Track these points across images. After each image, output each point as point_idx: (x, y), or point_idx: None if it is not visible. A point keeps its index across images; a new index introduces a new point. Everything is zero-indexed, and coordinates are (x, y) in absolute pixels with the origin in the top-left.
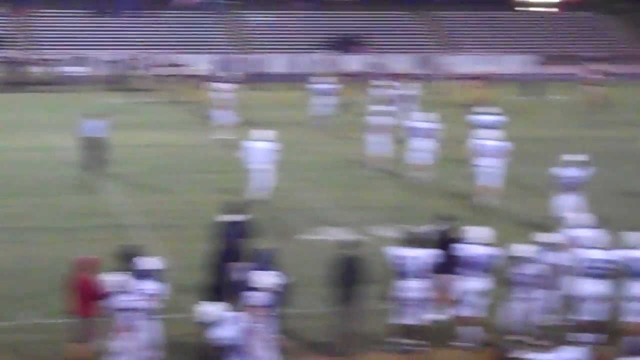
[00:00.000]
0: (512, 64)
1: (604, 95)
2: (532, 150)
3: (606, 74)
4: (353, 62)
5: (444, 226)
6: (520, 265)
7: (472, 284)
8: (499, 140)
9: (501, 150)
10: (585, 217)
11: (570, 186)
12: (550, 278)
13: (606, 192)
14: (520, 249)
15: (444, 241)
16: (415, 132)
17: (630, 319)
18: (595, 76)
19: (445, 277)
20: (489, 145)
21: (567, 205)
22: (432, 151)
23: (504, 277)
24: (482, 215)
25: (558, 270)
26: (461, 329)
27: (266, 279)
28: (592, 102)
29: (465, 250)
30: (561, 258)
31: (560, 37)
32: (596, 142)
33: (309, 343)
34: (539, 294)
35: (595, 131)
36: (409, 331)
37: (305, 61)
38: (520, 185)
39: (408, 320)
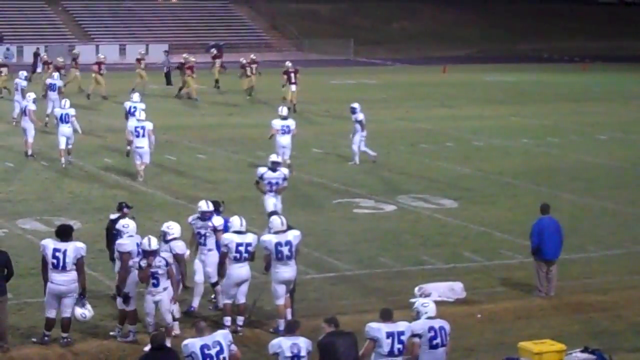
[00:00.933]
0: (155, 53)
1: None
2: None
3: (252, 62)
4: None
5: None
6: (147, 257)
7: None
8: (145, 123)
9: (148, 131)
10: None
11: None
12: (175, 266)
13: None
14: (146, 242)
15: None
16: (61, 120)
17: (278, 302)
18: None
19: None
20: (140, 128)
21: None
22: (72, 137)
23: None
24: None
25: (179, 259)
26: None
27: None
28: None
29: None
30: (178, 247)
31: (194, 26)
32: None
33: None
34: (166, 283)
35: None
36: (56, 324)
37: None
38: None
39: (52, 313)
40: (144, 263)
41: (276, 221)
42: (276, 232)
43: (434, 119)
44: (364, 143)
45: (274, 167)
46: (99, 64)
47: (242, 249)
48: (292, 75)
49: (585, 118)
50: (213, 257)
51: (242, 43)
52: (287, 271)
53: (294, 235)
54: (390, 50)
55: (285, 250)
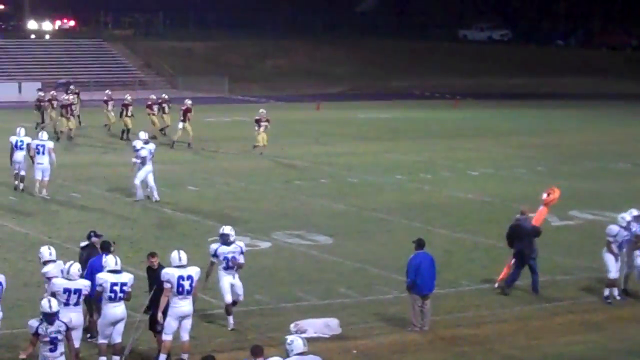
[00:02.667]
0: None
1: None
2: None
3: (164, 101)
4: None
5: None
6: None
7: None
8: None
9: (49, 149)
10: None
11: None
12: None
13: None
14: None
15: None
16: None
17: (166, 337)
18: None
19: None
20: (41, 146)
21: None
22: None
23: None
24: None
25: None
26: None
27: None
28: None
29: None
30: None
31: (68, 63)
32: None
33: None
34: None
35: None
36: None
37: None
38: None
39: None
40: (42, 330)
41: (175, 255)
42: (177, 267)
43: (309, 155)
44: (152, 178)
45: (225, 240)
46: None
47: (117, 288)
48: (184, 113)
49: (457, 154)
50: None
51: (116, 80)
52: (184, 305)
53: (195, 271)
54: (265, 87)
55: (186, 284)
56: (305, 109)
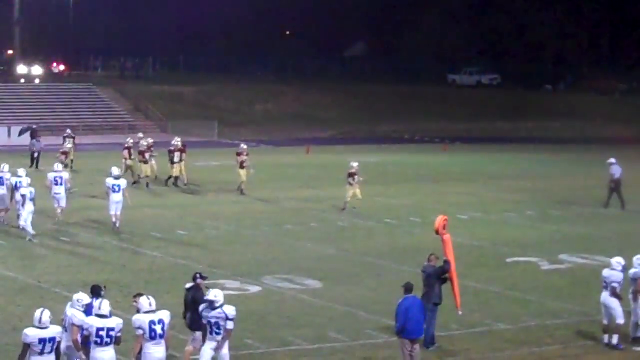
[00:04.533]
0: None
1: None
2: None
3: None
4: None
5: None
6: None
7: None
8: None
9: (65, 180)
10: None
11: None
12: None
13: None
14: None
15: None
16: None
17: None
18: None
19: None
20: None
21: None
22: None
23: None
24: None
25: None
26: None
27: None
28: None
29: None
30: None
31: (58, 108)
32: None
33: None
34: None
35: None
36: None
37: None
38: None
39: None
40: None
41: (145, 301)
42: (146, 312)
43: (299, 199)
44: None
45: (212, 305)
46: None
47: (103, 333)
48: (177, 153)
49: (447, 198)
50: None
51: (106, 125)
52: (158, 351)
53: (166, 315)
54: (255, 131)
55: (158, 328)
56: (295, 153)
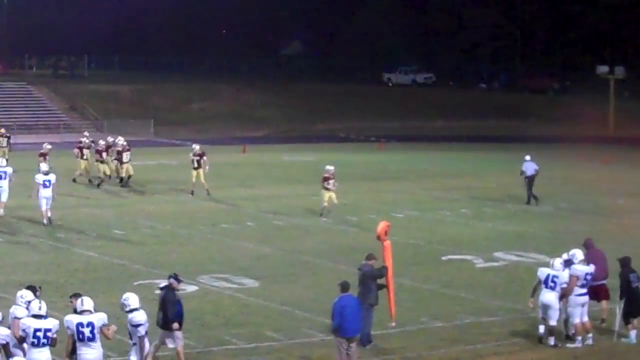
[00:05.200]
0: None
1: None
2: None
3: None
4: None
5: None
6: None
7: None
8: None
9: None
10: None
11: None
12: None
13: None
14: None
15: None
16: None
17: None
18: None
19: None
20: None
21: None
22: None
23: None
24: None
25: None
26: None
27: None
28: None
29: None
30: None
31: None
32: None
33: None
34: None
35: None
36: None
37: None
38: None
39: None
40: None
41: (84, 301)
42: (81, 312)
43: (235, 198)
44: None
45: (122, 308)
46: None
47: (40, 334)
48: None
49: (383, 196)
50: None
51: (40, 124)
52: (90, 353)
53: (97, 318)
54: (191, 130)
55: (86, 331)
56: (231, 151)
